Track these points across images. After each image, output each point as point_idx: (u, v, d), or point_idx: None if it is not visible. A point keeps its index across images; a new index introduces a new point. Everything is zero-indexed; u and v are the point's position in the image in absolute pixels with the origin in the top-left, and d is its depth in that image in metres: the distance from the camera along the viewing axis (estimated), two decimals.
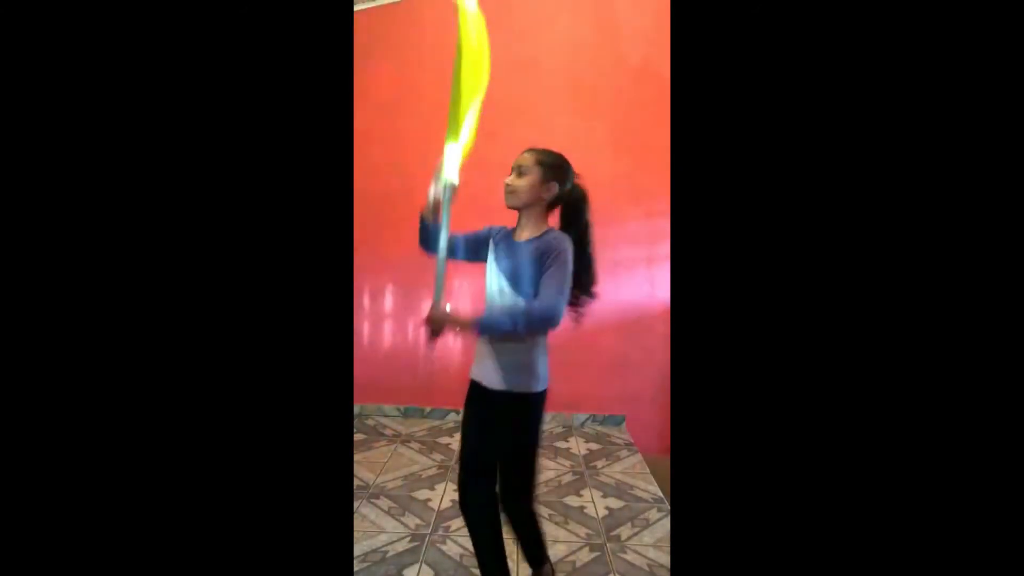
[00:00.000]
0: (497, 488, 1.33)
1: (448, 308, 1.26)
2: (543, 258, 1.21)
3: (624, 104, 2.94)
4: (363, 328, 3.23)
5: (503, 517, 1.35)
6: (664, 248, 2.94)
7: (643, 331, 2.97)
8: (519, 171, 1.30)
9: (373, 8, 3.12)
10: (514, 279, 1.26)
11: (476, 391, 1.33)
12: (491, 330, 1.26)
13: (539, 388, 1.29)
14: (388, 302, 3.23)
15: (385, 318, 3.24)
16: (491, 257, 1.35)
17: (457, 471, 1.38)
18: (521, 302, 1.24)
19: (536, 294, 1.21)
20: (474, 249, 1.41)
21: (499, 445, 1.32)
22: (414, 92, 3.10)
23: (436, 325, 1.23)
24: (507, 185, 1.30)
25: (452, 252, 1.37)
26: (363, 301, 3.23)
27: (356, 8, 3.10)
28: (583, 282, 1.31)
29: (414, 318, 3.20)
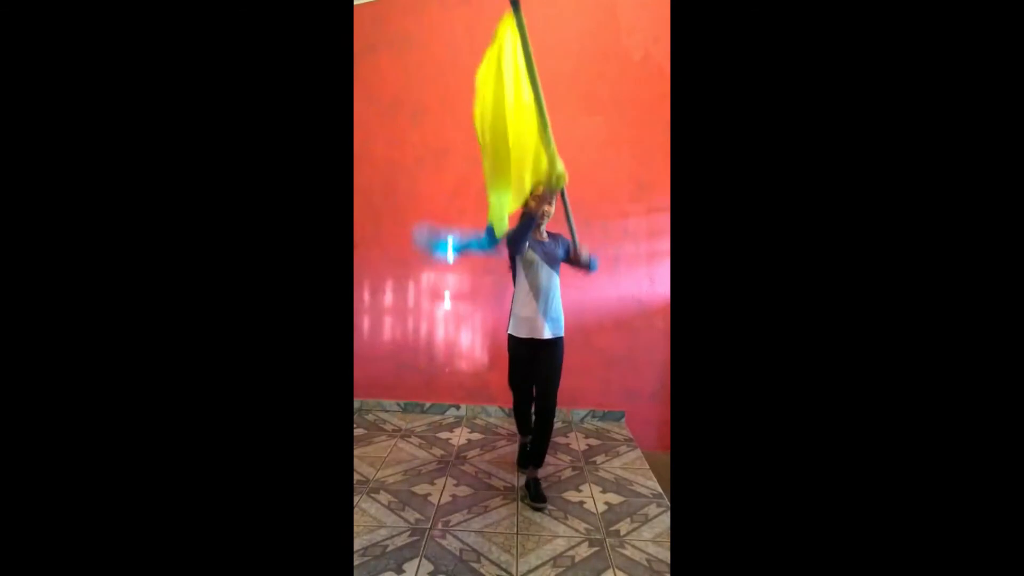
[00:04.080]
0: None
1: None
2: (564, 245, 2.11)
3: (625, 100, 2.93)
4: (363, 324, 3.24)
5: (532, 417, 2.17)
6: (664, 244, 2.94)
7: (643, 327, 2.97)
8: (548, 200, 1.96)
9: (374, 3, 3.10)
10: (554, 265, 2.05)
11: (536, 344, 2.04)
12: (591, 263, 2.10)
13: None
14: (388, 298, 3.23)
15: (385, 313, 3.24)
16: (534, 254, 2.02)
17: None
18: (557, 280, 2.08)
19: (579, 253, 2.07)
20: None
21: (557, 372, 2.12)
22: (415, 87, 3.09)
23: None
24: (546, 212, 1.97)
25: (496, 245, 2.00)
26: (363, 296, 3.23)
27: (357, 2, 3.08)
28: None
29: (413, 313, 3.21)
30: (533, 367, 2.09)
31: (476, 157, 3.07)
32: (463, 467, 2.43)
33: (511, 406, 2.32)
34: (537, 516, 1.97)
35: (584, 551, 1.75)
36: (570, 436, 2.82)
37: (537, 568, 1.66)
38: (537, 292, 2.00)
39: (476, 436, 2.83)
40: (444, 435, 2.84)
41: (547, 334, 2.04)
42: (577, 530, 1.89)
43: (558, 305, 2.07)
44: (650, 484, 2.28)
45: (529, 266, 2.01)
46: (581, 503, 2.09)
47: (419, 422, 3.03)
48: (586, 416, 3.07)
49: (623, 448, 2.68)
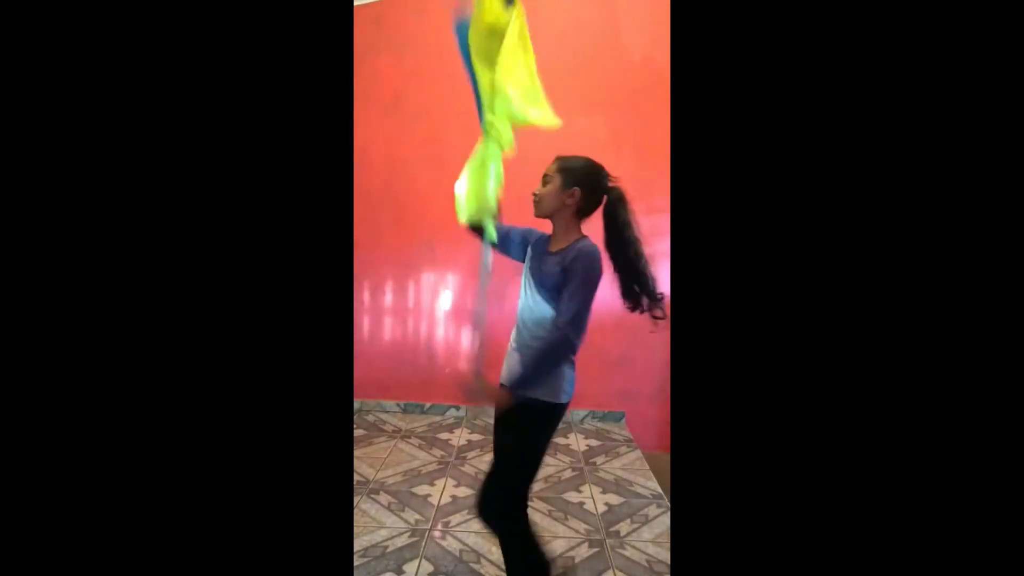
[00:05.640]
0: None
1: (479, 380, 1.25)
2: (567, 271, 1.19)
3: (624, 100, 2.93)
4: (363, 324, 3.24)
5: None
6: (664, 245, 2.93)
7: (643, 327, 2.96)
8: (544, 180, 1.29)
9: (374, 4, 3.10)
10: (544, 291, 1.24)
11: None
12: (527, 382, 1.21)
13: (558, 400, 1.25)
14: (388, 298, 3.23)
15: (385, 314, 3.24)
16: (526, 265, 1.33)
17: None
18: (548, 315, 1.23)
19: (557, 310, 1.20)
20: (522, 247, 1.38)
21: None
22: (415, 87, 3.09)
23: (477, 395, 1.25)
24: (533, 195, 1.29)
25: (505, 246, 1.36)
26: (363, 297, 3.23)
27: (357, 3, 3.08)
28: (634, 285, 1.29)
29: (414, 314, 3.21)
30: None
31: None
32: (463, 468, 2.43)
33: None
34: (537, 516, 1.97)
35: (584, 552, 1.75)
36: (570, 437, 2.82)
37: None
38: (519, 320, 1.31)
39: (476, 437, 2.83)
40: (444, 436, 2.83)
41: (505, 379, 1.30)
42: (577, 531, 1.88)
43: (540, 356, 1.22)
44: (650, 485, 2.28)
45: (522, 279, 1.33)
46: (581, 504, 2.09)
47: (419, 423, 3.03)
48: (586, 417, 3.07)
49: (623, 449, 2.68)
